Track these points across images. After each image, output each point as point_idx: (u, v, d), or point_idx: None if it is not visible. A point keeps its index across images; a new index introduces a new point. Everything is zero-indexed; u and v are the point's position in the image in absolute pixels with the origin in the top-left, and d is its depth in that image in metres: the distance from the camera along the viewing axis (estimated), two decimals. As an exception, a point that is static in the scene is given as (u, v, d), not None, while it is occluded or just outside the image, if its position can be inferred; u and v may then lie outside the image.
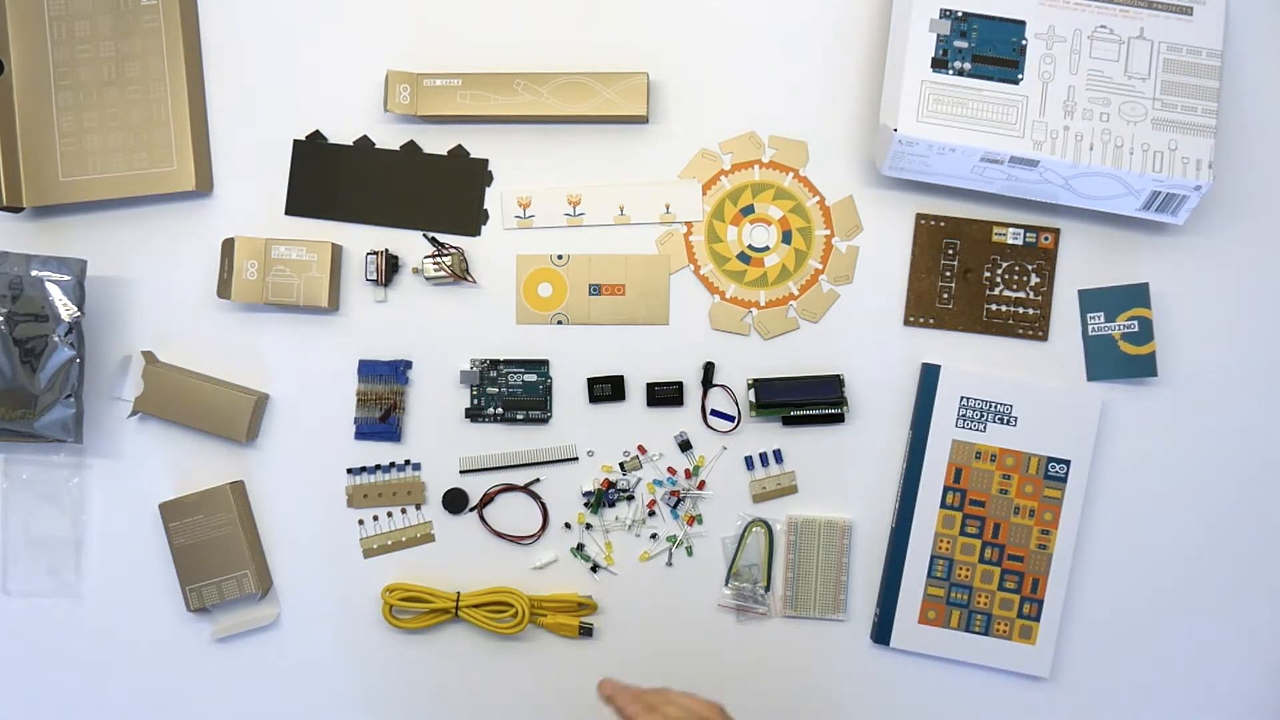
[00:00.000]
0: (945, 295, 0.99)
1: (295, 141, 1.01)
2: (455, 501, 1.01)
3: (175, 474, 1.02)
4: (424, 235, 1.01)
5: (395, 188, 1.01)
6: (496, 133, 1.01)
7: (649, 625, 1.01)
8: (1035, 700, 1.00)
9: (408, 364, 1.01)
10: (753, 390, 0.99)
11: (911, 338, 1.00)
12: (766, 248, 1.00)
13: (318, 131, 1.01)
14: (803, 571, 1.00)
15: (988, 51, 0.92)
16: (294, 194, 1.01)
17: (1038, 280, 0.99)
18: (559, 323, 1.01)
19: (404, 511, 1.02)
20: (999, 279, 0.99)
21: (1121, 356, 0.98)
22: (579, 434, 1.01)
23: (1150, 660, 1.00)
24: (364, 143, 1.01)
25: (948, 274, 0.99)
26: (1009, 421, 0.98)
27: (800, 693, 1.01)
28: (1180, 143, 0.91)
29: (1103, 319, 0.99)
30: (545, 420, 1.01)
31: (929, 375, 0.98)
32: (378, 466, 1.01)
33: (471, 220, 1.01)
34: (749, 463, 1.01)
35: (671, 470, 1.01)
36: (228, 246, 0.99)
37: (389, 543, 1.02)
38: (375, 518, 1.02)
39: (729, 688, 1.01)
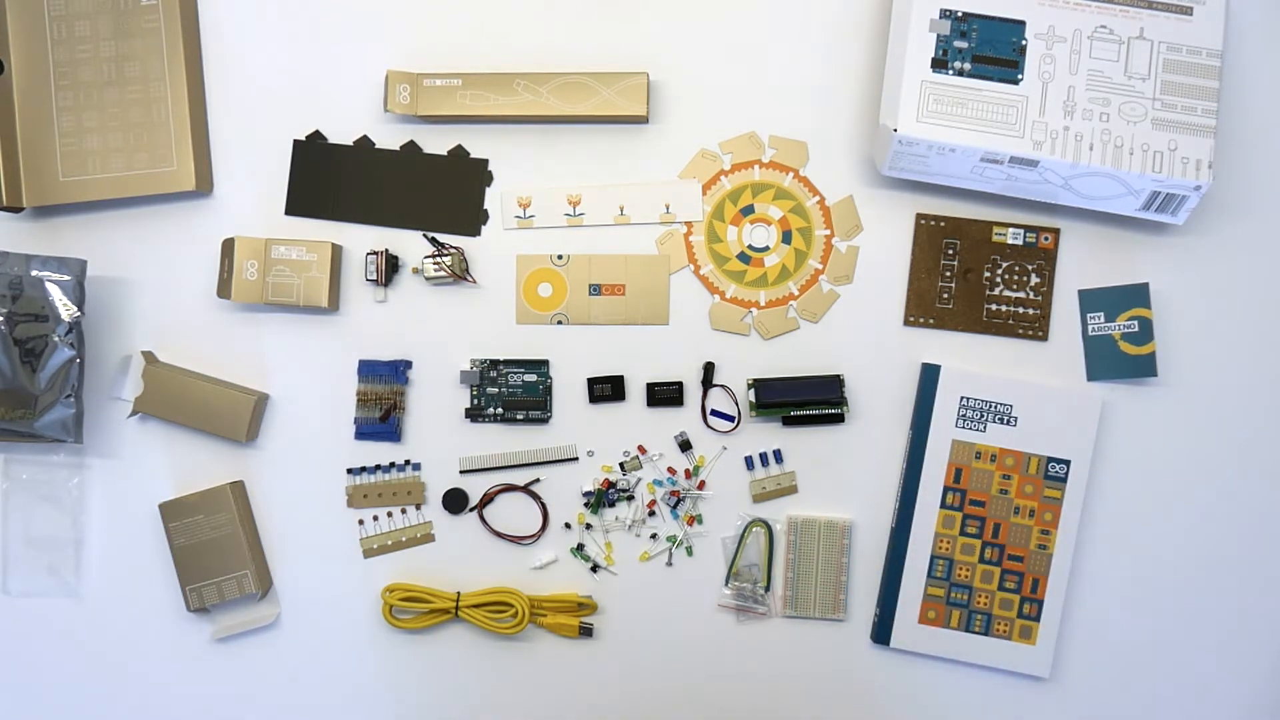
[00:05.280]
0: (945, 295, 0.99)
1: (295, 141, 1.01)
2: (455, 501, 1.01)
3: (175, 474, 1.02)
4: (424, 235, 1.01)
5: (395, 188, 1.01)
6: (496, 133, 1.01)
7: (649, 625, 1.01)
8: (1035, 700, 1.00)
9: (408, 364, 1.01)
10: (753, 390, 0.99)
11: (911, 338, 1.00)
12: (766, 248, 1.00)
13: (318, 131, 1.01)
14: (803, 571, 1.00)
15: (988, 51, 0.92)
16: (294, 194, 1.01)
17: (1038, 280, 0.99)
18: (559, 323, 1.01)
19: (404, 511, 1.02)
20: (999, 279, 0.99)
21: (1121, 356, 0.98)
22: (579, 434, 1.01)
23: (1150, 660, 1.00)
24: (364, 143, 1.01)
25: (948, 274, 0.99)
26: (1009, 421, 0.98)
27: (800, 693, 1.01)
28: (1180, 143, 0.91)
29: (1103, 319, 0.99)
30: (545, 420, 1.01)
31: (929, 375, 0.98)
32: (378, 466, 1.01)
33: (471, 220, 1.01)
34: (749, 463, 1.00)
35: (671, 470, 1.01)
36: (228, 246, 0.99)
37: (389, 543, 1.02)
38: (375, 518, 1.02)
39: (729, 688, 1.01)
